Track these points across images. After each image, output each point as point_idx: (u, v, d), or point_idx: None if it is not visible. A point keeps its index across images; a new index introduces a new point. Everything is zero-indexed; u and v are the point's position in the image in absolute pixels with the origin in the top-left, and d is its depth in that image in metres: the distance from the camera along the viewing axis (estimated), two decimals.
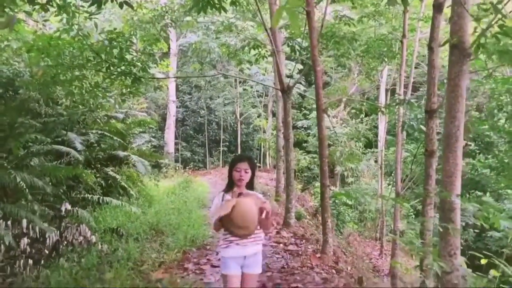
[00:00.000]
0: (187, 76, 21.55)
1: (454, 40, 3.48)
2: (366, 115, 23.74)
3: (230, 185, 3.63)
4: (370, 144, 23.89)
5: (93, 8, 6.74)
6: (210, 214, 3.79)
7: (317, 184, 15.97)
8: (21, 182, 5.17)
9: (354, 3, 11.12)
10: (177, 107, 26.89)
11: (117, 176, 10.49)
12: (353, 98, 18.10)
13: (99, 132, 10.85)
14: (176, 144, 26.41)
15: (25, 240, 6.00)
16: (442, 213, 3.53)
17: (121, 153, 11.20)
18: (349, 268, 7.31)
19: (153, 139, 20.84)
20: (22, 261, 5.79)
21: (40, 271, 5.65)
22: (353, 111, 21.66)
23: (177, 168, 22.93)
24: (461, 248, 3.71)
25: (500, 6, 3.20)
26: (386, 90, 23.90)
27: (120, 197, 10.17)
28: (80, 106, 9.96)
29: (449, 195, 3.48)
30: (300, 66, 16.03)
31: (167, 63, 10.78)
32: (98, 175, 9.87)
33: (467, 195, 12.35)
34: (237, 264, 3.54)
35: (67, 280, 5.22)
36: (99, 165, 10.41)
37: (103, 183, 9.94)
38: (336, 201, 14.91)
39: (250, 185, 3.64)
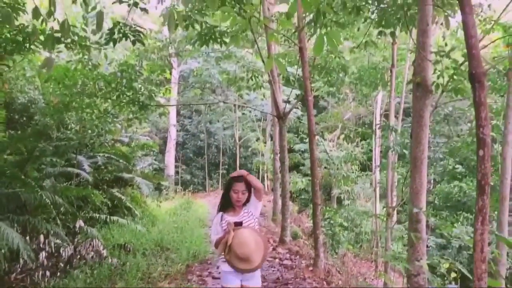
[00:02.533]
0: (191, 104, 22.29)
1: (418, 79, 4.17)
2: (361, 139, 24.43)
3: (227, 204, 3.75)
4: (366, 167, 24.49)
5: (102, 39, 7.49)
6: (211, 235, 3.84)
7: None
8: (46, 200, 5.76)
9: (346, 35, 11.91)
10: (177, 130, 27.59)
11: (123, 197, 11.08)
12: (346, 125, 18.81)
13: (106, 155, 11.51)
14: (176, 167, 27.00)
15: (43, 254, 6.59)
16: (410, 224, 4.16)
17: (126, 175, 11.82)
18: (340, 282, 7.87)
19: (154, 161, 21.46)
20: (40, 272, 6.39)
21: (56, 282, 6.22)
22: (345, 134, 22.34)
23: (177, 190, 23.47)
24: (455, 270, 4.29)
25: (452, 54, 3.90)
26: (380, 115, 24.66)
27: (125, 217, 10.72)
28: (89, 131, 10.64)
29: (415, 207, 4.11)
30: (297, 91, 16.79)
31: (169, 89, 11.48)
32: (104, 195, 10.47)
33: (455, 217, 12.92)
34: (236, 278, 3.66)
35: (82, 286, 5.79)
36: (105, 186, 11.02)
37: (109, 203, 10.52)
38: (332, 222, 15.44)
39: (247, 200, 3.75)
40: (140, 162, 15.27)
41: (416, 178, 4.17)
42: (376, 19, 5.64)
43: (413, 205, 4.08)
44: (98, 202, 9.53)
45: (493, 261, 6.05)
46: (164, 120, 26.97)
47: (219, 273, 7.02)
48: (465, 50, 2.34)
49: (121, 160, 11.76)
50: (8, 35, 6.07)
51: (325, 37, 2.66)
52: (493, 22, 7.79)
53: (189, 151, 29.46)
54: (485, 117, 2.02)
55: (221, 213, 3.77)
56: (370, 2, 5.36)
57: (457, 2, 4.33)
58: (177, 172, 27.27)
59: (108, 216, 9.19)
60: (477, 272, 2.07)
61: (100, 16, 4.13)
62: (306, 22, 6.73)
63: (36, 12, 4.09)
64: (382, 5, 5.15)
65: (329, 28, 6.97)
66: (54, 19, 4.16)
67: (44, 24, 4.31)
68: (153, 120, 26.80)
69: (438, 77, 4.24)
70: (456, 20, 9.91)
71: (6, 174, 5.51)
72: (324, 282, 6.57)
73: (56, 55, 11.00)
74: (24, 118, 10.28)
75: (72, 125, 10.32)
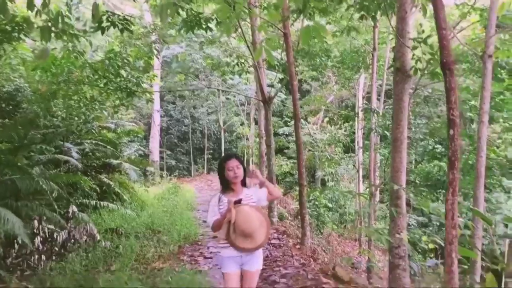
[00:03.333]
0: (177, 90, 22.30)
1: (397, 65, 4.43)
2: (345, 122, 24.81)
3: (226, 186, 3.62)
4: (349, 149, 24.93)
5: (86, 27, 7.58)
6: (208, 218, 3.61)
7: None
8: (43, 186, 5.92)
9: (329, 19, 12.09)
10: (161, 116, 27.58)
11: (111, 183, 11.24)
12: (329, 108, 19.11)
13: (93, 142, 11.60)
14: (160, 152, 27.07)
15: (38, 239, 6.76)
16: (391, 200, 4.46)
17: (114, 161, 11.94)
18: (326, 259, 8.23)
19: (140, 147, 21.54)
20: (36, 257, 6.57)
21: (53, 265, 6.41)
22: (331, 117, 22.66)
23: (163, 176, 23.61)
24: (438, 247, 4.58)
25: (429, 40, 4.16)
26: (363, 98, 25.02)
27: (114, 202, 10.91)
28: (76, 118, 10.72)
29: (397, 185, 4.41)
30: (281, 76, 16.99)
31: (154, 75, 11.58)
32: (93, 181, 10.61)
33: (435, 195, 13.38)
34: (236, 262, 3.56)
35: (79, 270, 6.00)
36: (94, 173, 11.15)
37: (98, 189, 10.67)
38: (316, 203, 15.82)
39: (243, 182, 3.65)
40: (126, 148, 15.37)
41: (396, 158, 4.46)
42: (357, 6, 5.85)
43: (394, 183, 4.37)
44: (87, 188, 9.71)
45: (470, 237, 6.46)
46: (148, 106, 26.93)
47: (210, 253, 7.33)
48: None
49: (108, 147, 11.86)
50: None
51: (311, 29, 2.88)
52: (469, 7, 8.07)
53: (173, 136, 29.52)
54: (454, 100, 2.28)
55: (219, 194, 3.64)
56: None
57: None
58: (161, 158, 27.35)
59: (98, 202, 9.38)
60: (448, 237, 2.34)
61: (96, 8, 4.26)
62: (291, 10, 6.90)
63: (30, 4, 4.21)
64: None
65: (314, 16, 7.20)
66: (49, 11, 4.28)
67: (38, 15, 4.43)
68: (137, 106, 26.77)
69: (416, 62, 4.51)
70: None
71: (2, 161, 5.65)
72: (311, 259, 6.89)
73: (41, 43, 11.06)
74: (10, 107, 10.31)
75: (59, 112, 10.38)
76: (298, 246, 7.58)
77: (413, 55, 4.49)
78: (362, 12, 6.41)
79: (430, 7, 4.72)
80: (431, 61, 4.46)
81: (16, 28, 6.26)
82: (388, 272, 4.48)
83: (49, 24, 4.32)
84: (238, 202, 3.47)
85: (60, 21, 4.35)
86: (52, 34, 5.58)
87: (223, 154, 27.01)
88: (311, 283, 5.06)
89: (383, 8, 5.49)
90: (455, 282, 2.32)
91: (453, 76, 2.26)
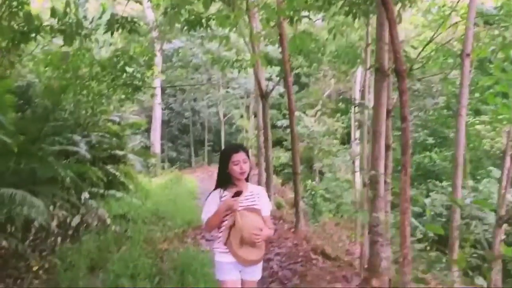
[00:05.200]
0: (181, 85, 22.86)
1: (377, 65, 5.03)
2: (341, 114, 25.40)
3: (227, 180, 3.18)
4: (346, 141, 25.53)
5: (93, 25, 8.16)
6: (203, 215, 3.18)
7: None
8: (62, 174, 6.55)
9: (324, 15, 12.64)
10: (162, 109, 28.18)
11: (117, 173, 11.86)
12: (325, 101, 19.72)
13: (100, 134, 12.21)
14: (162, 144, 27.71)
15: (54, 222, 7.39)
16: (371, 185, 5.09)
17: (120, 153, 12.57)
18: (319, 242, 8.87)
19: (143, 139, 22.16)
20: (52, 239, 7.21)
21: (68, 247, 7.04)
22: (322, 111, 23.19)
23: (164, 167, 24.26)
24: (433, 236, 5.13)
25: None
26: (360, 91, 25.56)
27: (120, 191, 11.55)
28: (83, 111, 11.32)
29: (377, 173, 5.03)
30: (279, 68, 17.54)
31: (158, 70, 12.18)
32: (100, 172, 11.25)
33: (425, 184, 14.03)
34: (235, 269, 3.15)
35: (93, 249, 6.64)
36: (101, 163, 11.78)
37: (105, 179, 11.30)
38: (313, 193, 16.47)
39: (247, 177, 3.25)
40: (130, 140, 15.98)
41: (376, 147, 5.08)
42: (345, 9, 6.41)
43: (373, 169, 4.99)
44: (95, 178, 10.34)
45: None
46: (149, 99, 27.56)
47: (211, 236, 7.94)
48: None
49: (114, 139, 12.47)
50: (16, 27, 6.72)
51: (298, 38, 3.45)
52: (453, 7, 8.64)
53: (174, 129, 30.16)
54: (405, 100, 2.87)
55: (219, 189, 3.19)
56: None
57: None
58: (163, 150, 28.00)
59: (105, 191, 10.01)
60: (402, 208, 2.94)
61: (113, 18, 4.85)
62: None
63: (53, 12, 4.81)
64: None
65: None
66: (69, 18, 4.88)
67: (58, 20, 5.02)
68: (139, 100, 27.34)
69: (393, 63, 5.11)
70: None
71: (22, 151, 6.26)
72: (304, 241, 7.52)
73: (50, 40, 11.64)
74: (22, 101, 10.90)
75: (67, 106, 10.98)
76: (292, 230, 8.22)
77: (390, 57, 5.08)
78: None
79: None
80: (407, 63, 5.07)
81: (33, 29, 6.83)
82: (369, 246, 5.11)
83: (72, 29, 4.89)
84: (238, 194, 3.07)
85: (79, 26, 4.94)
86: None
87: (223, 146, 27.68)
88: (301, 259, 5.70)
89: (366, 12, 6.07)
90: (406, 245, 2.93)
91: (404, 81, 2.84)
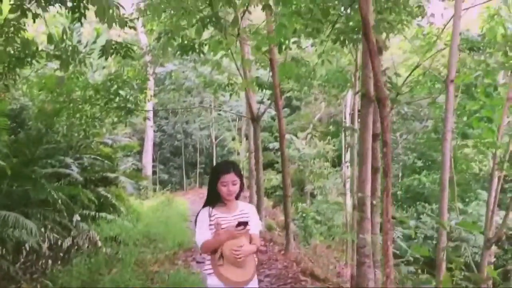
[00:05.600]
0: (175, 108, 23.12)
1: (363, 91, 5.23)
2: (332, 137, 25.67)
3: (214, 198, 3.15)
4: (337, 163, 25.73)
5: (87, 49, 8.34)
6: (197, 236, 3.11)
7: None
8: (54, 196, 6.62)
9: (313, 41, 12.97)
10: (154, 131, 28.31)
11: (108, 195, 11.91)
12: (315, 125, 20.00)
13: (92, 156, 12.30)
14: (153, 166, 27.73)
15: (45, 245, 7.42)
16: (358, 207, 5.22)
17: (111, 175, 12.63)
18: (310, 264, 8.94)
19: (135, 162, 22.20)
20: (43, 261, 7.22)
21: (59, 269, 7.06)
22: (313, 134, 23.43)
23: (156, 189, 24.26)
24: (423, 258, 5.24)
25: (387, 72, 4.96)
26: (350, 115, 25.88)
27: (111, 214, 11.59)
28: (76, 134, 11.43)
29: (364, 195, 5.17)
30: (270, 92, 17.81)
31: (150, 94, 12.36)
32: (92, 194, 11.29)
33: (414, 206, 14.18)
34: None
35: (84, 271, 6.67)
36: (92, 186, 11.82)
37: (96, 201, 11.34)
38: (304, 215, 16.56)
39: (237, 195, 3.20)
40: (122, 163, 16.06)
41: (363, 170, 5.23)
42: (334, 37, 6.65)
43: (359, 191, 5.13)
44: (86, 200, 10.38)
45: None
46: (141, 122, 27.71)
47: (202, 258, 8.00)
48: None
49: (105, 161, 12.55)
50: (12, 52, 6.87)
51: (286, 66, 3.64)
52: (438, 35, 8.95)
53: (166, 151, 30.23)
54: (386, 125, 3.03)
55: (208, 207, 3.15)
56: (328, 23, 6.35)
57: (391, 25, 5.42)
58: (154, 172, 28.01)
59: (97, 213, 10.05)
60: (384, 228, 3.08)
61: (108, 44, 5.02)
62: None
63: (50, 38, 4.97)
64: (337, 25, 6.20)
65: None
66: (66, 45, 5.04)
67: (56, 44, 5.18)
68: (132, 122, 27.49)
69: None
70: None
71: (20, 174, 6.35)
72: (294, 263, 7.60)
73: (45, 64, 11.82)
74: (15, 124, 11.00)
75: (60, 129, 11.09)
76: (282, 252, 8.29)
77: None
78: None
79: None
80: (392, 90, 5.28)
81: (29, 54, 6.98)
82: (356, 268, 5.22)
83: (68, 55, 5.05)
84: (243, 225, 2.98)
85: (75, 52, 5.10)
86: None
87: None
88: (291, 281, 5.78)
89: (353, 40, 6.31)
90: (389, 265, 3.05)
91: (385, 108, 3.01)
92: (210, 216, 3.07)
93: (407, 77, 7.58)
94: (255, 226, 3.20)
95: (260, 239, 3.31)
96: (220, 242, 2.97)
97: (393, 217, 8.15)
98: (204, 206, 3.19)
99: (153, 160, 27.84)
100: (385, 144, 3.01)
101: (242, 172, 3.33)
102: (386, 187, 3.05)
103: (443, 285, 4.12)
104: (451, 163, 10.69)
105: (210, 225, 3.05)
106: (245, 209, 3.21)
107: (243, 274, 2.98)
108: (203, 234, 3.05)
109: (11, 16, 5.43)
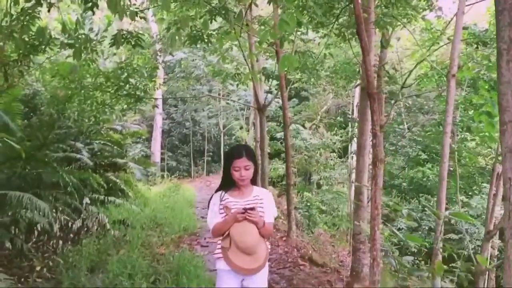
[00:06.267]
0: (183, 97, 23.40)
1: (362, 85, 5.43)
2: (339, 128, 25.78)
3: (228, 183, 3.14)
4: (343, 154, 25.87)
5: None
6: (208, 219, 3.17)
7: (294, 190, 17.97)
8: (66, 179, 6.92)
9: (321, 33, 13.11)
10: (163, 119, 28.63)
11: (117, 180, 12.23)
12: (321, 116, 20.16)
13: (102, 142, 12.61)
14: (162, 154, 28.09)
15: (56, 226, 7.74)
16: (355, 195, 5.44)
17: (120, 161, 12.95)
18: (311, 252, 9.20)
19: (145, 148, 22.54)
20: (54, 241, 7.55)
21: (69, 249, 7.39)
22: (319, 125, 23.56)
23: (164, 176, 24.63)
24: (426, 250, 5.39)
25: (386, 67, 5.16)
26: (357, 106, 25.97)
27: (120, 198, 11.91)
28: (86, 120, 11.73)
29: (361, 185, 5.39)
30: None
31: (160, 83, 12.62)
32: (101, 179, 11.62)
33: (417, 198, 14.35)
34: (236, 278, 3.05)
35: (93, 252, 6.98)
36: (102, 171, 12.15)
37: (105, 185, 11.66)
38: (308, 204, 16.78)
39: (253, 180, 3.18)
40: (131, 149, 16.38)
41: (360, 161, 5.45)
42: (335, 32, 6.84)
43: (357, 181, 5.35)
44: (96, 184, 10.71)
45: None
46: (150, 109, 28.02)
47: (207, 242, 8.29)
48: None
49: (115, 147, 12.86)
50: (27, 39, 7.13)
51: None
52: (443, 29, 9.05)
53: (174, 138, 30.55)
54: (376, 119, 3.24)
55: (221, 191, 3.16)
56: (331, 19, 6.53)
57: (396, 19, 5.59)
58: (162, 159, 28.37)
59: (105, 197, 10.37)
60: (372, 215, 3.30)
61: (119, 34, 5.25)
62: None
63: (64, 27, 5.21)
64: (339, 21, 6.38)
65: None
66: (80, 35, 5.28)
67: (70, 33, 5.42)
68: (141, 109, 27.80)
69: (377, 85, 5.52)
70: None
71: (34, 157, 6.64)
72: (294, 249, 7.86)
73: (59, 51, 12.09)
74: (28, 109, 11.32)
75: (71, 115, 11.39)
76: (284, 239, 8.55)
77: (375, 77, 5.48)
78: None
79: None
80: (389, 82, 5.47)
81: (43, 42, 7.23)
82: (351, 253, 5.46)
83: (81, 44, 5.30)
84: (251, 210, 2.97)
85: (87, 41, 5.34)
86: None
87: (222, 157, 28.06)
88: (290, 265, 6.04)
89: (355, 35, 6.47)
90: (376, 248, 3.28)
91: (374, 102, 3.22)
92: (221, 200, 3.09)
93: (411, 71, 7.72)
94: (269, 214, 3.16)
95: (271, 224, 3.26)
96: (227, 224, 2.97)
97: (387, 206, 8.39)
98: (217, 190, 3.22)
99: (162, 147, 28.18)
100: (374, 135, 3.22)
101: (255, 155, 3.28)
102: (374, 176, 3.26)
103: (437, 271, 4.34)
104: (454, 156, 10.86)
105: (220, 209, 3.07)
106: (260, 195, 3.17)
107: (251, 261, 2.95)
108: (213, 218, 3.09)
109: (28, 5, 5.67)
